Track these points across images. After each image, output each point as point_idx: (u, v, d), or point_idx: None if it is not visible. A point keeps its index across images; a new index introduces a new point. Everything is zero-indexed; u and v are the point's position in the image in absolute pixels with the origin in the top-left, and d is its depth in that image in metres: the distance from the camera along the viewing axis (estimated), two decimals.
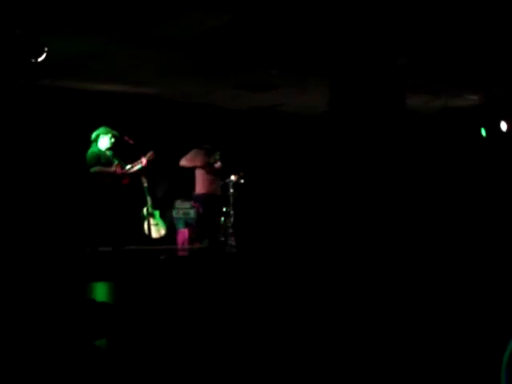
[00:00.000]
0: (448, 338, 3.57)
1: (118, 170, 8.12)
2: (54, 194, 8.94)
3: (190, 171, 9.36)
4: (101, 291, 6.06)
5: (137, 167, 8.30)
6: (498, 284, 5.21)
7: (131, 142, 8.34)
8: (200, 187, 9.30)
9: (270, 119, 11.61)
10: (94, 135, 8.15)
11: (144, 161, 8.28)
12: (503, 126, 10.93)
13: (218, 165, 9.39)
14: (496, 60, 8.38)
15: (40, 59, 6.83)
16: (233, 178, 9.98)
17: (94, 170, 8.01)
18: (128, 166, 8.26)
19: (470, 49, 7.86)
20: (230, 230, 9.95)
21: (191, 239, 9.96)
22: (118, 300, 5.62)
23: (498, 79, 9.39)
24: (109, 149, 8.19)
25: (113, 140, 8.18)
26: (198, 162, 9.25)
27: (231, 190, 10.01)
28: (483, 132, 11.19)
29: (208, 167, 9.26)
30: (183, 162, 9.28)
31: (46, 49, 6.78)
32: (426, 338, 3.57)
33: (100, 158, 8.08)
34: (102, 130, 8.18)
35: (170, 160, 9.47)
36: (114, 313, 4.68)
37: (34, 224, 8.43)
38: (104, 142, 8.15)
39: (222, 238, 9.53)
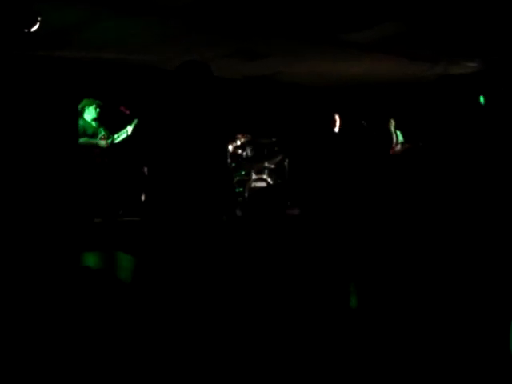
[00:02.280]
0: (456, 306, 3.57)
1: (102, 142, 8.11)
2: (42, 166, 8.87)
3: None
4: (93, 260, 6.08)
5: (123, 137, 8.28)
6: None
7: (127, 112, 8.29)
8: None
9: (267, 88, 11.52)
10: (79, 107, 8.15)
11: (130, 130, 8.24)
12: (502, 93, 10.85)
13: None
14: (496, 26, 8.27)
15: (33, 29, 6.74)
16: (230, 147, 9.91)
17: (80, 141, 8.03)
18: (115, 136, 8.25)
19: (469, 14, 7.75)
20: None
21: None
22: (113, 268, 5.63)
23: (498, 46, 9.28)
24: (94, 119, 8.18)
25: (98, 110, 8.17)
26: None
27: (228, 160, 9.95)
28: (482, 100, 11.10)
29: None
30: None
31: (39, 18, 6.69)
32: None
33: (86, 129, 8.10)
34: (85, 101, 8.17)
35: (167, 130, 9.36)
36: (107, 282, 4.69)
37: (24, 196, 8.38)
38: (89, 113, 8.14)
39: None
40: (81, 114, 8.13)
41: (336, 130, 10.29)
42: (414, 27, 8.19)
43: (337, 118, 10.27)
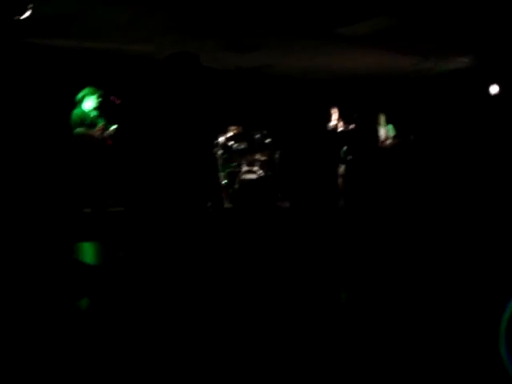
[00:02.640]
0: (448, 301, 3.59)
1: (98, 133, 8.05)
2: (38, 155, 8.84)
3: None
4: (88, 251, 6.06)
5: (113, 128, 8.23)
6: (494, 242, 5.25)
7: (118, 101, 8.23)
8: None
9: (258, 80, 11.51)
10: (79, 96, 8.02)
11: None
12: (493, 89, 10.91)
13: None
14: (487, 21, 8.30)
15: (24, 16, 6.70)
16: (221, 139, 9.91)
17: (76, 131, 7.93)
18: (113, 127, 8.18)
19: (461, 9, 7.77)
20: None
21: None
22: (104, 260, 5.62)
23: (489, 41, 9.31)
24: (95, 109, 8.10)
25: (99, 100, 8.07)
26: None
27: (220, 152, 9.95)
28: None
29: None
30: None
31: (30, 6, 6.64)
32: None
33: (84, 119, 7.99)
34: (87, 90, 8.06)
35: (159, 120, 9.34)
36: (98, 273, 4.68)
37: (19, 185, 8.35)
38: (90, 102, 8.05)
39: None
40: (80, 102, 8.03)
41: (332, 123, 10.36)
42: (405, 21, 8.21)
43: (334, 111, 10.33)
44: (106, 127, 8.12)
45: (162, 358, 3.04)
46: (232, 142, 10.15)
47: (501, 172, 9.95)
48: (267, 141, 10.33)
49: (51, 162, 8.94)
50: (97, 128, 8.02)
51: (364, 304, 3.91)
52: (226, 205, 9.79)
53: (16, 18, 6.71)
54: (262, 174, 9.99)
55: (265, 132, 10.42)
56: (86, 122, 7.97)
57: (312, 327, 3.47)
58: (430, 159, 10.98)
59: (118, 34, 8.67)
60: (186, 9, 7.63)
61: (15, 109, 8.65)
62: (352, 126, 10.27)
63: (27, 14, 6.70)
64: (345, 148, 10.20)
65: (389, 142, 10.77)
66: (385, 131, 10.87)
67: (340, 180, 10.36)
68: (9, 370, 2.87)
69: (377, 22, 8.12)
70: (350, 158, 10.26)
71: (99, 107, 8.10)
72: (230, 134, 10.08)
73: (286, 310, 3.80)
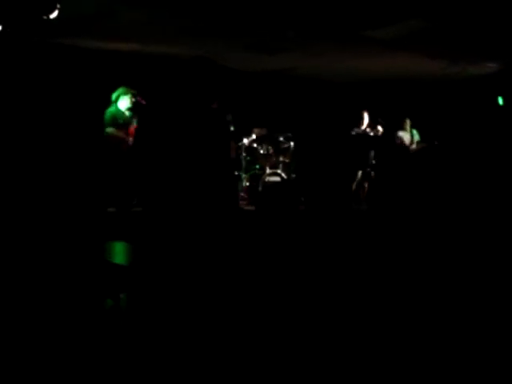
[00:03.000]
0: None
1: (129, 134, 8.08)
2: (66, 155, 8.88)
3: None
4: (119, 251, 6.08)
5: None
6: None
7: (143, 102, 8.26)
8: None
9: (283, 82, 11.48)
10: (114, 96, 8.12)
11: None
12: None
13: (230, 128, 9.26)
14: None
15: (52, 16, 6.73)
16: (245, 141, 9.89)
17: (108, 130, 7.99)
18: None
19: (490, 14, 7.68)
20: (242, 194, 9.91)
21: None
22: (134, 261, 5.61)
23: None
24: (129, 109, 8.17)
25: (133, 100, 8.14)
26: None
27: (243, 154, 9.93)
28: (500, 100, 11.04)
29: None
30: None
31: (58, 5, 6.68)
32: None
33: (117, 118, 8.05)
34: (121, 90, 8.14)
35: (182, 122, 9.34)
36: (128, 274, 4.68)
37: (48, 183, 8.39)
38: (124, 102, 8.12)
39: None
40: (115, 102, 8.09)
41: (363, 127, 10.31)
42: (434, 25, 8.13)
43: (365, 115, 10.27)
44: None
45: (185, 357, 3.02)
46: (256, 145, 10.13)
47: None
48: (291, 143, 10.29)
49: (80, 161, 8.97)
50: (130, 128, 8.09)
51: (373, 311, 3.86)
52: (249, 207, 9.77)
53: (44, 17, 6.74)
54: (286, 176, 9.95)
55: (289, 134, 10.38)
56: (119, 121, 8.03)
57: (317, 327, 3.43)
58: (454, 164, 10.88)
59: (143, 34, 8.68)
60: (210, 10, 7.63)
61: (43, 108, 8.69)
62: (380, 130, 10.22)
63: (55, 13, 6.73)
64: (372, 153, 10.16)
65: (413, 147, 10.71)
66: (410, 136, 10.80)
67: (363, 184, 10.31)
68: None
69: (405, 25, 8.06)
70: (374, 162, 10.21)
71: (132, 108, 8.16)
72: (254, 136, 10.06)
73: (295, 313, 3.77)
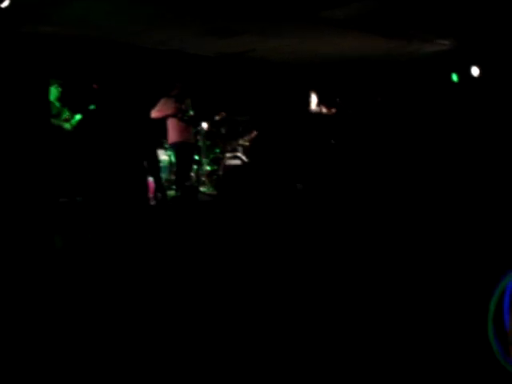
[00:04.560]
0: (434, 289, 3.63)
1: (67, 125, 8.07)
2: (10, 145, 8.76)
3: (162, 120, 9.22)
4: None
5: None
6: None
7: (95, 86, 8.21)
8: (173, 136, 9.15)
9: (241, 65, 11.45)
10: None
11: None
12: (474, 71, 10.95)
13: (189, 113, 9.25)
14: (468, 4, 8.32)
15: (4, 5, 6.64)
16: (204, 125, 9.88)
17: (52, 122, 8.03)
18: (78, 117, 8.17)
19: None
20: (203, 178, 9.93)
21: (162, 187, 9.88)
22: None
23: (470, 24, 9.33)
24: (57, 99, 8.12)
25: (60, 89, 8.11)
26: (168, 111, 9.08)
27: (203, 138, 9.93)
28: (455, 77, 11.20)
29: (180, 114, 9.10)
30: (154, 114, 9.08)
31: None
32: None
33: (51, 109, 8.06)
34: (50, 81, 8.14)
35: (140, 108, 9.30)
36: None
37: None
38: (52, 92, 8.09)
39: (189, 184, 9.46)
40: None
41: (312, 107, 10.33)
42: (387, 4, 8.20)
43: (313, 95, 10.29)
44: (72, 117, 8.14)
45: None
46: (215, 129, 10.14)
47: (481, 153, 10.03)
48: (254, 132, 10.32)
49: (27, 151, 8.85)
50: (62, 118, 8.06)
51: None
52: (211, 191, 9.81)
53: None
54: (246, 159, 9.99)
55: (248, 117, 10.41)
56: (53, 112, 8.04)
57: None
58: (409, 138, 11.03)
59: (97, 21, 8.56)
60: None
61: None
62: (334, 110, 10.27)
63: (6, 2, 6.64)
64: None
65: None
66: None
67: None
68: None
69: (359, 5, 8.10)
70: (333, 141, 10.27)
71: (60, 98, 8.12)
72: (213, 120, 10.05)
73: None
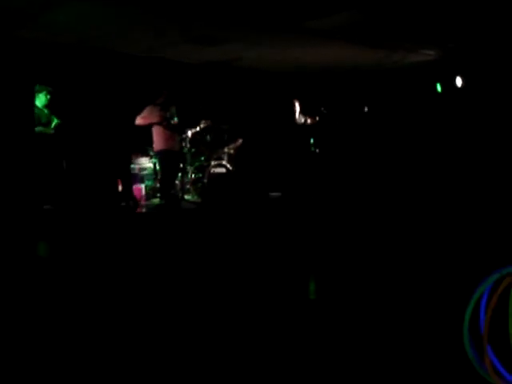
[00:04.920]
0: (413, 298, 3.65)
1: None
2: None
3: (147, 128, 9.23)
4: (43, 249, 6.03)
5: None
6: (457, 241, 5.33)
7: None
8: (158, 144, 9.18)
9: (227, 74, 11.46)
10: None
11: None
12: (458, 81, 11.03)
13: (174, 120, 9.26)
14: (452, 15, 8.39)
15: None
16: (189, 133, 9.87)
17: (36, 130, 7.97)
18: (54, 122, 8.15)
19: (427, 3, 7.84)
20: (187, 186, 9.91)
21: (148, 195, 9.87)
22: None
23: (454, 34, 9.41)
24: (45, 106, 8.09)
25: (48, 97, 8.08)
26: (153, 119, 9.09)
27: (188, 146, 9.92)
28: (439, 87, 11.28)
29: (165, 122, 9.12)
30: (139, 121, 9.09)
31: None
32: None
33: (40, 117, 8.01)
34: (36, 87, 8.06)
35: (125, 115, 9.30)
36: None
37: None
38: (40, 99, 8.04)
39: (180, 194, 9.48)
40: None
41: (296, 116, 10.35)
42: (373, 15, 8.25)
43: (296, 104, 10.32)
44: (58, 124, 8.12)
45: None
46: (200, 136, 10.14)
47: (466, 162, 10.11)
48: (240, 141, 10.35)
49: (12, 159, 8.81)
50: (53, 126, 8.03)
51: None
52: (196, 199, 9.80)
53: None
54: (231, 167, 9.99)
55: (232, 126, 10.42)
56: (42, 120, 8.00)
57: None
58: (393, 151, 11.10)
59: (81, 28, 8.53)
60: (149, 2, 7.56)
61: None
62: (317, 119, 10.30)
63: None
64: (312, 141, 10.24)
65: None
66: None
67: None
68: None
69: (343, 16, 8.15)
70: (317, 150, 10.31)
71: (49, 104, 8.08)
72: (198, 128, 10.06)
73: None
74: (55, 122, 8.04)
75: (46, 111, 8.04)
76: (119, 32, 8.82)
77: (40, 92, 7.99)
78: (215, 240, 6.35)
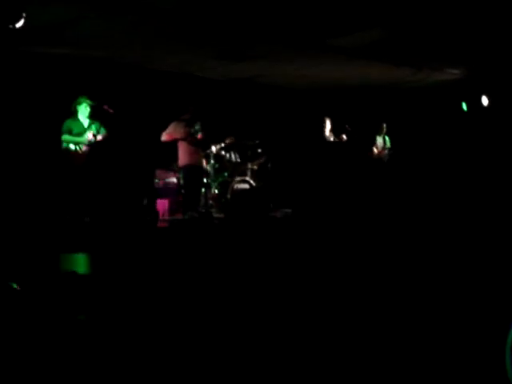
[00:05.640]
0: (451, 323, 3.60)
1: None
2: (27, 164, 8.80)
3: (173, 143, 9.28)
4: (80, 262, 6.03)
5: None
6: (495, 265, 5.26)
7: (111, 111, 8.26)
8: (183, 159, 9.23)
9: (250, 90, 11.52)
10: (73, 105, 8.20)
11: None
12: (484, 100, 10.99)
13: (199, 135, 9.30)
14: (478, 34, 8.36)
15: (18, 25, 6.69)
16: (213, 148, 9.90)
17: (63, 138, 8.12)
18: (99, 137, 8.24)
19: (453, 22, 7.83)
20: (210, 202, 9.91)
21: (172, 210, 9.89)
22: (97, 272, 5.59)
23: (480, 53, 9.38)
24: (87, 118, 8.24)
25: (89, 109, 8.21)
26: (178, 135, 9.14)
27: (212, 162, 9.94)
28: (464, 106, 11.23)
29: (189, 138, 9.16)
30: (164, 138, 9.16)
31: (24, 14, 6.64)
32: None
33: (72, 128, 8.13)
34: (80, 99, 8.20)
35: (151, 130, 9.37)
36: (94, 285, 4.66)
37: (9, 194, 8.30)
38: (82, 111, 8.20)
39: (203, 210, 9.48)
40: (74, 112, 8.19)
41: (326, 133, 10.40)
42: (398, 34, 8.26)
43: (327, 122, 10.36)
44: (96, 133, 8.21)
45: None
46: (224, 152, 10.16)
47: (491, 182, 10.02)
48: (259, 150, 10.35)
49: (43, 170, 8.90)
50: (84, 137, 8.14)
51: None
52: (218, 215, 9.79)
53: (10, 26, 6.70)
54: (254, 184, 9.99)
55: (257, 142, 10.43)
56: (74, 131, 8.12)
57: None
58: (420, 169, 11.06)
59: (111, 42, 8.63)
60: (180, 19, 7.63)
61: (9, 116, 8.61)
62: (344, 137, 10.34)
63: (21, 22, 6.69)
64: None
65: (385, 152, 10.89)
66: (382, 141, 10.99)
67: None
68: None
69: (368, 34, 8.16)
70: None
71: (91, 116, 8.22)
72: (222, 144, 10.09)
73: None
74: (93, 129, 8.18)
75: (85, 123, 8.21)
76: (146, 48, 8.92)
77: (83, 104, 8.17)
78: (236, 254, 6.33)
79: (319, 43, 8.65)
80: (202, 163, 9.49)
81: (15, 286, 3.89)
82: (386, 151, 11.04)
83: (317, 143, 10.37)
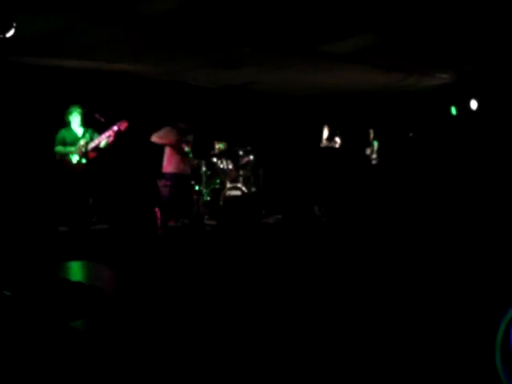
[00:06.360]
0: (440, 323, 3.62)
1: (78, 151, 8.12)
2: (20, 174, 8.80)
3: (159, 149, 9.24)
4: (74, 271, 6.02)
5: (103, 142, 8.20)
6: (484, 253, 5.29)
7: (102, 120, 8.25)
8: (169, 166, 9.11)
9: (243, 97, 11.55)
10: (66, 115, 8.19)
11: (113, 131, 8.14)
12: (473, 104, 11.05)
13: (189, 145, 9.25)
14: (468, 38, 8.41)
15: (8, 35, 6.70)
16: (205, 156, 9.91)
17: (56, 149, 8.09)
18: (91, 144, 8.20)
19: (443, 27, 7.87)
20: (203, 209, 9.92)
21: (163, 217, 9.87)
22: (93, 280, 5.58)
23: (470, 58, 9.44)
24: (80, 126, 8.22)
25: (80, 117, 8.20)
26: (169, 140, 9.10)
27: (204, 169, 9.96)
28: (453, 110, 11.30)
29: (179, 146, 9.12)
30: (154, 138, 9.10)
31: (14, 24, 6.65)
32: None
33: (65, 138, 8.11)
34: (72, 108, 8.20)
35: (143, 138, 9.38)
36: (89, 293, 4.65)
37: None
38: (75, 120, 8.20)
39: (195, 217, 9.47)
40: (67, 121, 8.19)
41: (324, 140, 10.44)
42: (389, 39, 8.29)
43: (325, 129, 10.41)
44: (87, 143, 8.18)
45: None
46: (216, 159, 10.18)
47: (481, 185, 10.08)
48: (251, 157, 10.37)
49: (34, 180, 8.90)
50: (78, 146, 8.11)
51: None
52: (210, 222, 9.80)
53: (0, 36, 6.71)
54: (246, 190, 10.01)
55: (248, 148, 10.46)
56: (67, 140, 8.09)
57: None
58: (409, 173, 11.11)
59: (101, 52, 8.65)
60: (171, 27, 7.65)
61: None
62: (338, 142, 10.38)
63: (11, 32, 6.69)
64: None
65: (374, 157, 10.93)
66: (371, 147, 11.04)
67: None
68: None
69: (360, 39, 8.20)
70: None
71: (84, 124, 8.22)
72: (214, 151, 10.10)
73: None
74: (86, 138, 8.16)
75: (79, 131, 8.19)
76: (135, 56, 8.94)
77: (75, 112, 8.15)
78: (228, 261, 6.35)
79: (311, 50, 8.68)
80: (189, 171, 9.38)
81: (8, 293, 3.88)
82: (375, 156, 11.05)
83: (310, 149, 10.42)
